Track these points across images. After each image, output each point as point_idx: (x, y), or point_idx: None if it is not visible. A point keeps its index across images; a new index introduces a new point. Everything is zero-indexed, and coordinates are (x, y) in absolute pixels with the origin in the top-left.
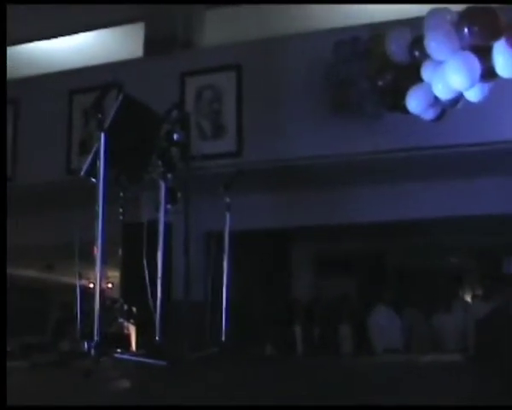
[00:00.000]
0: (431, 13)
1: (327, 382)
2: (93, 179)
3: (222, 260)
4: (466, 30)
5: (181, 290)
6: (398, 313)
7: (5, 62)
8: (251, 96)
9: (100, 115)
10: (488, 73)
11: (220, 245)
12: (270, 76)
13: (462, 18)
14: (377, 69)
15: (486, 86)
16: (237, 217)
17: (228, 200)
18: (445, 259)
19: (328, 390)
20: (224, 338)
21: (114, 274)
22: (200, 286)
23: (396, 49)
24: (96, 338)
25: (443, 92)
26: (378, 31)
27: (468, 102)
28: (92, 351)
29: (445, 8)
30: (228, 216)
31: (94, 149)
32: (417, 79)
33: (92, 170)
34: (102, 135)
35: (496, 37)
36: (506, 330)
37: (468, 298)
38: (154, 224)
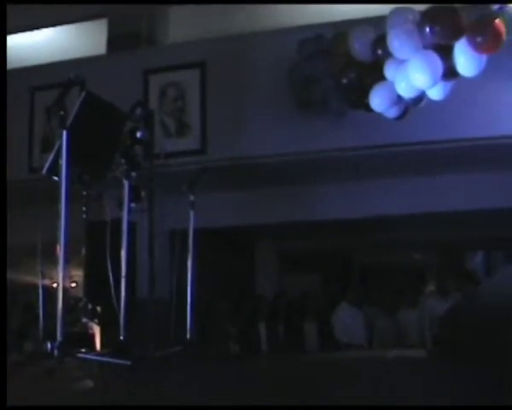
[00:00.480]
0: (393, 12)
1: (292, 379)
2: (55, 178)
3: (186, 259)
4: (428, 29)
5: (145, 289)
6: (361, 309)
7: (5, 62)
8: (215, 94)
9: (62, 113)
10: (450, 72)
11: (184, 243)
12: (235, 73)
13: (425, 17)
14: (341, 67)
15: (448, 85)
16: (202, 215)
17: (192, 198)
18: (409, 255)
19: (292, 388)
20: (188, 336)
21: (78, 273)
22: (164, 284)
23: (359, 47)
24: (59, 338)
25: (406, 90)
26: (342, 29)
27: (431, 101)
28: (55, 351)
29: (408, 8)
30: (192, 214)
31: (56, 147)
32: (380, 77)
33: (54, 168)
34: (64, 132)
35: (457, 36)
36: (467, 326)
37: (428, 294)
38: (117, 222)
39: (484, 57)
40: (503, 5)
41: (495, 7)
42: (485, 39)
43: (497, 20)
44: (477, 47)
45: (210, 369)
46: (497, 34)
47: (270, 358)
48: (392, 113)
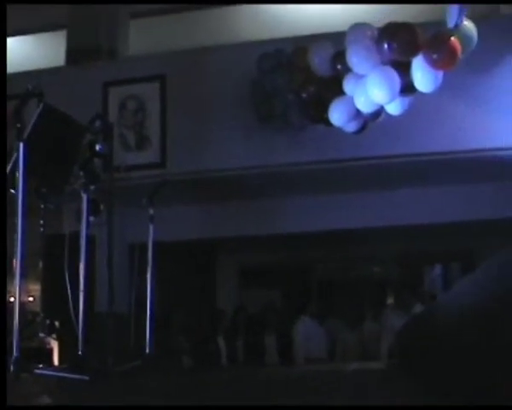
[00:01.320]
0: (352, 28)
1: (248, 392)
2: (12, 190)
3: (146, 272)
4: (386, 45)
5: (104, 303)
6: (322, 323)
7: (5, 62)
8: (175, 107)
9: (19, 125)
10: (407, 88)
11: (144, 257)
12: (195, 87)
13: (383, 34)
14: (301, 82)
15: (406, 100)
16: (161, 228)
17: (151, 211)
18: (370, 269)
19: (247, 399)
20: (148, 350)
21: (35, 288)
22: (123, 298)
23: (319, 62)
24: (15, 354)
25: (364, 105)
26: (301, 44)
27: (389, 116)
28: (11, 367)
29: (366, 24)
30: (151, 228)
31: (13, 160)
32: (340, 91)
33: (11, 180)
34: (21, 145)
35: (414, 53)
36: (421, 339)
37: (387, 307)
38: (75, 236)
39: (440, 74)
40: (459, 23)
41: (451, 24)
42: (441, 56)
43: (453, 38)
44: (433, 64)
45: (169, 383)
46: (452, 51)
47: (228, 371)
48: (351, 127)
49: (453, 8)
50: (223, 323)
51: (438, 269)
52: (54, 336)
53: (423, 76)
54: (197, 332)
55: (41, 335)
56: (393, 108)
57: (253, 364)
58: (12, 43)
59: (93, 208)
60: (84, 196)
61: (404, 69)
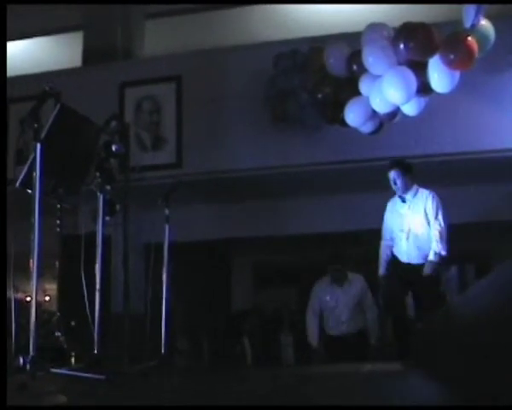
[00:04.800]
0: (368, 28)
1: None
2: (29, 191)
3: (161, 272)
4: (402, 45)
5: (120, 303)
6: None
7: (5, 62)
8: (191, 108)
9: (36, 125)
10: (424, 88)
11: (159, 257)
12: (211, 87)
13: (399, 34)
14: (316, 82)
15: (422, 100)
16: (177, 228)
17: (167, 212)
18: None
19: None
20: (163, 351)
21: (52, 287)
22: (139, 298)
23: (334, 62)
24: (31, 353)
25: (380, 106)
26: (317, 44)
27: (406, 116)
28: (28, 366)
29: (382, 24)
30: (167, 228)
31: (30, 160)
32: (355, 92)
33: (28, 181)
34: (38, 145)
35: (431, 53)
36: (444, 340)
37: None
38: (91, 236)
39: (457, 74)
40: (476, 23)
41: (467, 24)
42: (458, 56)
43: (469, 38)
44: (450, 64)
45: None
46: (469, 51)
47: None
48: (366, 128)
49: (470, 8)
50: (247, 324)
51: (453, 270)
52: (70, 335)
53: (440, 76)
54: (217, 333)
55: (57, 334)
56: (409, 109)
57: (270, 364)
58: (29, 44)
59: (109, 209)
60: (100, 197)
61: (420, 69)
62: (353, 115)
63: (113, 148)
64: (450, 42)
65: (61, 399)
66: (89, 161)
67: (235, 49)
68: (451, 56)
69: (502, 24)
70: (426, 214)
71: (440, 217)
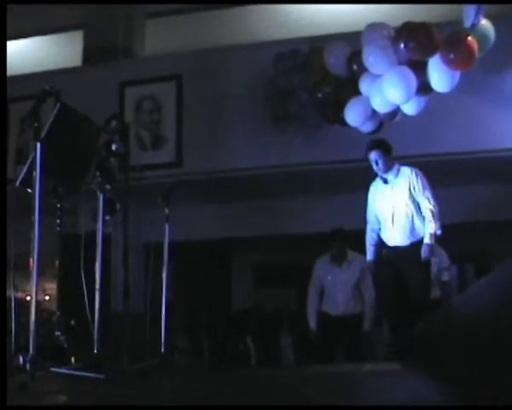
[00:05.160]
0: (369, 28)
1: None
2: (29, 190)
3: (161, 272)
4: (402, 45)
5: (120, 302)
6: None
7: (5, 62)
8: (191, 107)
9: (36, 124)
10: (424, 88)
11: (159, 256)
12: (211, 87)
13: (399, 33)
14: (316, 82)
15: (422, 100)
16: (177, 228)
17: (167, 211)
18: None
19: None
20: (163, 350)
21: (52, 286)
22: (139, 297)
23: (334, 62)
24: (31, 352)
25: (380, 105)
26: (317, 44)
27: (405, 116)
28: (28, 365)
29: (383, 24)
30: (167, 227)
31: (30, 159)
32: (356, 92)
33: (28, 180)
34: (38, 144)
35: (431, 53)
36: (443, 340)
37: None
38: (91, 235)
39: (457, 73)
40: (476, 23)
41: (468, 24)
42: (458, 56)
43: (469, 38)
44: (450, 64)
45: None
46: (469, 51)
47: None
48: (366, 127)
49: (470, 8)
50: (251, 323)
51: (453, 270)
52: (69, 334)
53: (440, 76)
54: (217, 332)
55: (57, 333)
56: (409, 108)
57: (270, 364)
58: (29, 43)
59: (109, 208)
60: (100, 196)
61: (420, 69)
62: (353, 115)
63: (113, 147)
64: (451, 42)
65: (61, 398)
66: (89, 160)
67: (235, 49)
68: (451, 56)
69: (502, 24)
70: (410, 192)
71: (428, 193)
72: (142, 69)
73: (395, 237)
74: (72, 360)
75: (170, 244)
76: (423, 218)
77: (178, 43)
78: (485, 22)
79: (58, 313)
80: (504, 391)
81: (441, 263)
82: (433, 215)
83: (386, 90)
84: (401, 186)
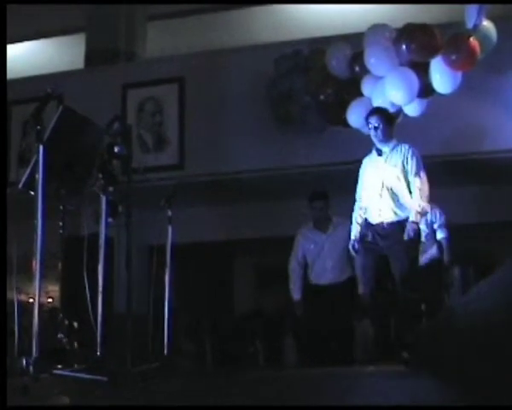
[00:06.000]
0: (370, 29)
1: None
2: (32, 192)
3: (164, 274)
4: (404, 46)
5: (123, 304)
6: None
7: (5, 62)
8: (193, 109)
9: (38, 127)
10: (426, 89)
11: (162, 258)
12: (213, 89)
13: (401, 35)
14: (318, 83)
15: (424, 101)
16: (180, 230)
17: (170, 213)
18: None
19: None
20: (166, 352)
21: (55, 289)
22: (142, 300)
23: (336, 63)
24: (34, 354)
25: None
26: (319, 45)
27: (408, 117)
28: (31, 368)
29: (384, 25)
30: (170, 229)
31: (32, 162)
32: (358, 93)
33: (31, 183)
34: (41, 147)
35: (433, 54)
36: (446, 341)
37: None
38: (94, 237)
39: (459, 75)
40: (478, 23)
41: (470, 25)
42: (460, 57)
43: (471, 39)
44: (452, 65)
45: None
46: (471, 52)
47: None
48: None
49: (472, 9)
50: (260, 324)
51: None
52: (72, 336)
53: (442, 77)
54: (221, 334)
55: (60, 336)
56: (412, 110)
57: (273, 365)
58: (32, 46)
59: (111, 210)
60: (103, 198)
61: (422, 70)
62: (355, 116)
63: (116, 149)
64: (453, 43)
65: (64, 400)
66: (91, 162)
67: (237, 51)
68: (453, 57)
69: (504, 25)
70: (404, 168)
71: (421, 173)
72: (145, 71)
73: (381, 210)
74: (75, 362)
75: (173, 246)
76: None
77: (180, 45)
78: (487, 23)
79: (61, 316)
80: (506, 392)
81: (436, 221)
82: (421, 195)
83: (389, 92)
84: (395, 160)
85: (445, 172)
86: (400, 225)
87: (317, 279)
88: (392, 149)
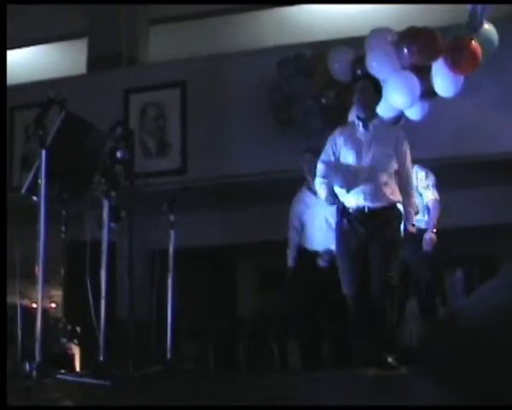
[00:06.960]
0: (372, 32)
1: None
2: (34, 197)
3: (167, 278)
4: (406, 50)
5: (125, 309)
6: None
7: (5, 63)
8: (195, 113)
9: (41, 132)
10: (428, 92)
11: (165, 263)
12: (215, 93)
13: (403, 38)
14: (320, 87)
15: (426, 105)
16: (182, 234)
17: (172, 217)
18: None
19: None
20: (169, 356)
21: (58, 294)
22: (144, 304)
23: (338, 67)
24: (38, 359)
25: (384, 110)
26: (321, 49)
27: (409, 120)
28: (34, 372)
29: (386, 28)
30: (172, 234)
31: (35, 167)
32: None
33: (33, 188)
34: (44, 152)
35: (435, 57)
36: (450, 344)
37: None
38: (97, 242)
39: (461, 78)
40: (479, 27)
41: (471, 27)
42: (462, 60)
43: (473, 42)
44: (454, 68)
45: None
46: (473, 55)
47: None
48: None
49: (473, 10)
50: (273, 327)
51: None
52: (75, 341)
53: (443, 80)
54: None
55: (63, 340)
56: (413, 113)
57: (277, 369)
58: (34, 51)
59: (114, 215)
60: (106, 203)
61: (424, 74)
62: None
63: (118, 154)
64: (454, 46)
65: (67, 404)
66: (94, 167)
67: (239, 55)
68: (455, 60)
69: (506, 26)
70: (396, 151)
71: (410, 163)
72: (147, 76)
73: (365, 194)
74: (78, 366)
75: (175, 251)
76: (400, 186)
77: (182, 49)
78: (488, 26)
79: (64, 321)
80: (507, 393)
81: (424, 181)
82: (411, 187)
83: (390, 95)
84: (387, 137)
85: (447, 174)
86: (385, 210)
87: (316, 246)
88: (380, 124)
